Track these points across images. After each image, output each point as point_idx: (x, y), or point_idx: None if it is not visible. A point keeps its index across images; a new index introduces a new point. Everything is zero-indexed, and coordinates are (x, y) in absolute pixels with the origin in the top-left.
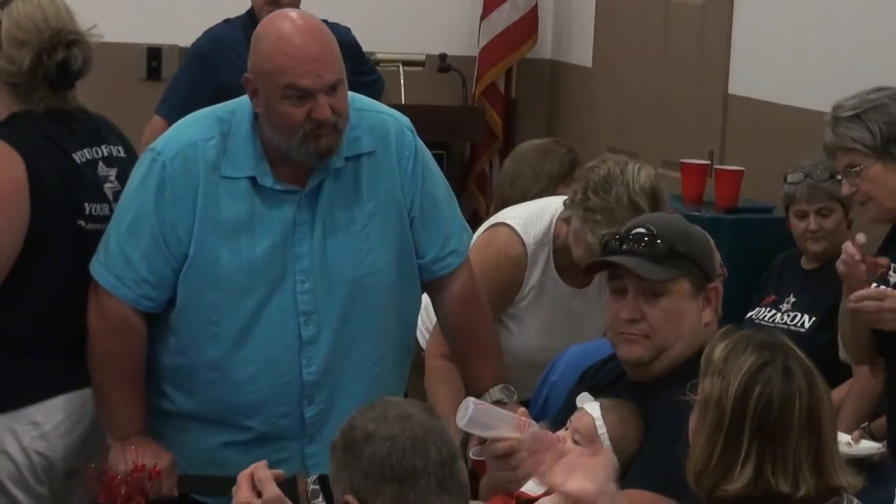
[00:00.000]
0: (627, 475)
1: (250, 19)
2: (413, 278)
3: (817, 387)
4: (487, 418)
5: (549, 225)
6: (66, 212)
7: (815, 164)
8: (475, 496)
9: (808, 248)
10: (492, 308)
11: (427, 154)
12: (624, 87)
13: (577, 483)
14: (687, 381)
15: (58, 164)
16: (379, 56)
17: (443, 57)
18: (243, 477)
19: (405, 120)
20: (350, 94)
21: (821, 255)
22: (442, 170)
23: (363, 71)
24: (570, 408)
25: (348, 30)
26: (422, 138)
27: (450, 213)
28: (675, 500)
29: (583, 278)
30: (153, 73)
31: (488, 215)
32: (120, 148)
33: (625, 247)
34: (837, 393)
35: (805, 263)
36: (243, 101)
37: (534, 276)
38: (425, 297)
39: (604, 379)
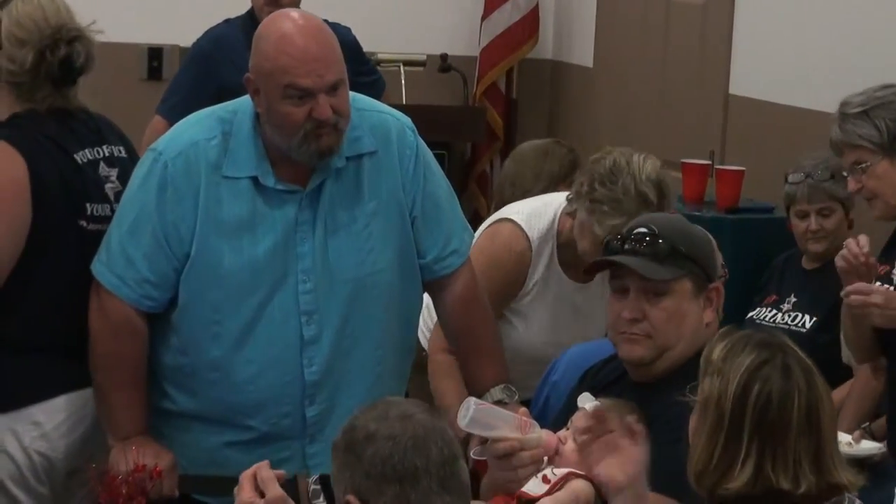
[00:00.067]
0: None
1: (251, 19)
2: (414, 278)
3: (816, 385)
4: (488, 418)
5: (553, 220)
6: (68, 212)
7: (816, 164)
8: (476, 496)
9: (808, 249)
10: (495, 304)
11: (428, 154)
12: (625, 87)
13: (610, 469)
14: (688, 381)
15: (59, 165)
16: (380, 56)
17: (444, 57)
18: (246, 477)
19: (406, 120)
20: (351, 94)
21: (821, 255)
22: (443, 170)
23: (363, 71)
24: (571, 408)
25: (349, 30)
26: (423, 138)
27: (451, 213)
28: (677, 500)
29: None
30: (154, 73)
31: (489, 215)
32: (121, 148)
33: (627, 246)
34: (838, 393)
35: (806, 263)
36: (245, 101)
37: (538, 272)
38: (426, 297)
39: (605, 379)
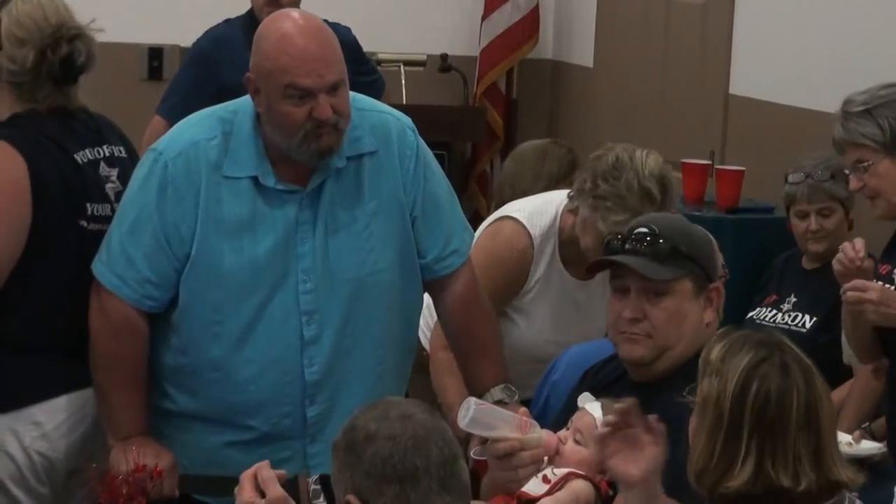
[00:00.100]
0: None
1: (251, 19)
2: (415, 278)
3: (815, 383)
4: (489, 418)
5: (555, 217)
6: (68, 212)
7: (816, 164)
8: (476, 496)
9: (808, 249)
10: (498, 301)
11: (429, 154)
12: (625, 87)
13: (625, 463)
14: (688, 381)
15: (59, 165)
16: (380, 56)
17: (444, 57)
18: (246, 477)
19: (407, 120)
20: (352, 94)
21: (821, 255)
22: (443, 170)
23: (363, 71)
24: (572, 408)
25: (349, 30)
26: (423, 138)
27: (451, 213)
28: (678, 500)
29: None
30: (154, 73)
31: (489, 215)
32: (121, 148)
33: (627, 246)
34: (838, 393)
35: (806, 263)
36: (245, 101)
37: (540, 269)
38: (427, 297)
39: (605, 379)
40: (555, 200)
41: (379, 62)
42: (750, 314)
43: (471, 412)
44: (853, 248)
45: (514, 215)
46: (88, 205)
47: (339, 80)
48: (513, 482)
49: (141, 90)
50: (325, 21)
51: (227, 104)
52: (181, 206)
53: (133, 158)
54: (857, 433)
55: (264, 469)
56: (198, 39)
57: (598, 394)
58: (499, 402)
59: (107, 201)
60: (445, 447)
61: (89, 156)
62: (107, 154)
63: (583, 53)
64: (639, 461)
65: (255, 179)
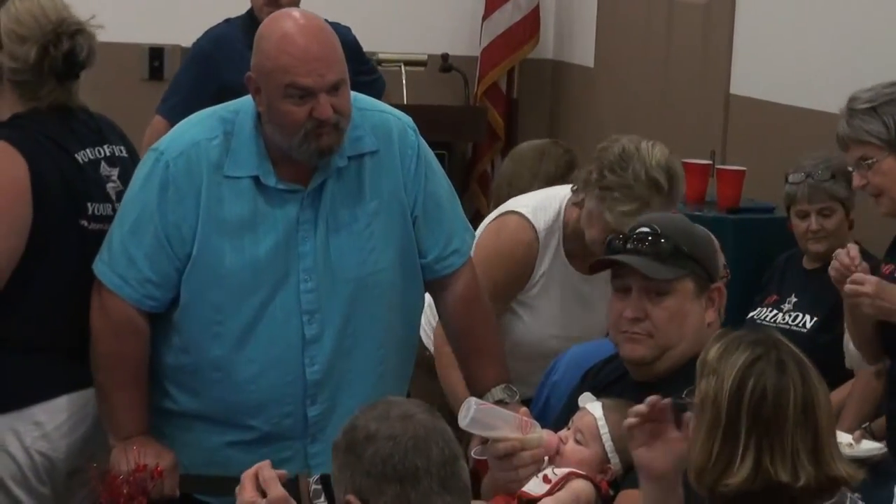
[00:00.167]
0: (629, 475)
1: (251, 19)
2: (416, 277)
3: (811, 379)
4: (489, 418)
5: (559, 211)
6: (69, 212)
7: (817, 164)
8: (477, 496)
9: (809, 249)
10: (503, 296)
11: (430, 153)
12: (626, 87)
13: (651, 454)
14: (689, 381)
15: (60, 165)
16: (381, 56)
17: (445, 57)
18: (247, 476)
19: (408, 119)
20: (353, 93)
21: (822, 255)
22: (444, 170)
23: (363, 70)
24: (572, 407)
25: (349, 29)
26: (424, 138)
27: (452, 213)
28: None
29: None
30: (155, 73)
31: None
32: (122, 148)
33: (629, 246)
34: (838, 394)
35: (807, 263)
36: (246, 100)
37: (544, 263)
38: (428, 296)
39: (606, 379)
40: (558, 195)
41: (379, 62)
42: (751, 314)
43: (471, 412)
44: (847, 255)
45: (518, 210)
46: (89, 204)
47: (339, 80)
48: (513, 482)
49: (142, 90)
50: (326, 21)
51: (227, 104)
52: (182, 205)
53: (134, 158)
54: (857, 433)
55: (265, 469)
56: (198, 39)
57: (598, 394)
58: (499, 402)
59: (108, 201)
60: (446, 447)
61: (90, 155)
62: (107, 154)
63: (583, 53)
64: (665, 453)
65: (256, 179)
